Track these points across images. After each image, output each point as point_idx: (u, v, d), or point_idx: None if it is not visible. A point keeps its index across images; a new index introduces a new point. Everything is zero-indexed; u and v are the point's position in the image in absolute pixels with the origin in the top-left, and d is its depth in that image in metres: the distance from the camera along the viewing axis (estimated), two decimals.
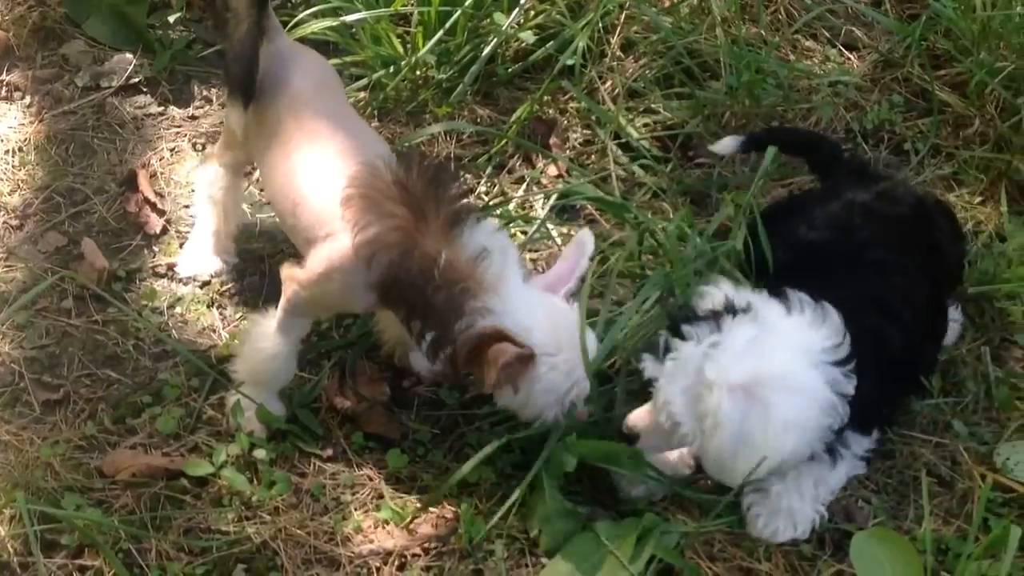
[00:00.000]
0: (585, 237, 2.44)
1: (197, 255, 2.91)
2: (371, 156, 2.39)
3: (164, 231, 3.03)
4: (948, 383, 2.72)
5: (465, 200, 2.36)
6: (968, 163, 3.20)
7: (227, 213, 2.87)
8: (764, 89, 3.26)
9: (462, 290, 2.26)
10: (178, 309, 2.85)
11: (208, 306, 2.86)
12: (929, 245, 2.62)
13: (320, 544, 2.40)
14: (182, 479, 2.49)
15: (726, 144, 2.97)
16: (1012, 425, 2.63)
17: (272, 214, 2.92)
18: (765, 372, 2.20)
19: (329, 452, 2.57)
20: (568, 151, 3.23)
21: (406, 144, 3.11)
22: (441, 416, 2.64)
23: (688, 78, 3.30)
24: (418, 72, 3.31)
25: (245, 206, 2.99)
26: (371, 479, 2.52)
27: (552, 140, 3.24)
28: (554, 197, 3.06)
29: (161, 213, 3.06)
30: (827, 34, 3.52)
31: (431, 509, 2.45)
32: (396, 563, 2.37)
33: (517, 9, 3.29)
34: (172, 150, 3.23)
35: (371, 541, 2.41)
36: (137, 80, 3.39)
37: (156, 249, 2.99)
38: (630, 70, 3.33)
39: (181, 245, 2.98)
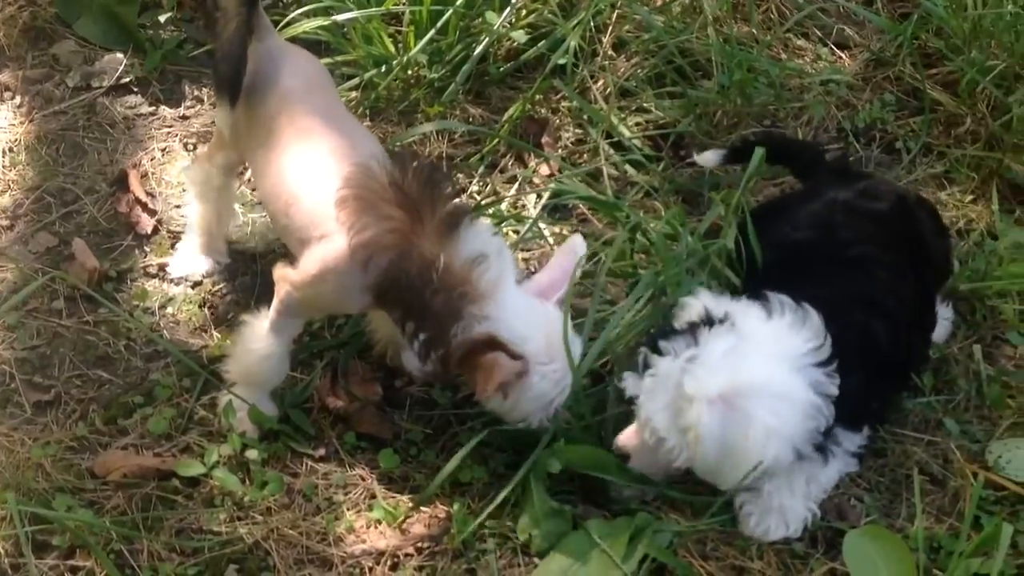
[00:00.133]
0: (577, 243, 2.44)
1: (189, 255, 2.91)
2: (364, 155, 2.38)
3: (155, 231, 3.02)
4: (940, 381, 2.72)
5: (459, 201, 2.36)
6: (960, 161, 3.21)
7: (219, 213, 2.86)
8: (756, 88, 3.26)
9: (460, 295, 2.26)
10: (169, 309, 2.85)
11: (200, 306, 2.85)
12: (912, 240, 2.63)
13: (312, 544, 2.39)
14: (174, 480, 2.49)
15: (708, 157, 3.04)
16: (1004, 423, 2.64)
17: (264, 214, 2.91)
18: (743, 381, 2.22)
19: (321, 452, 2.56)
20: (560, 150, 3.23)
21: (398, 143, 3.11)
22: (433, 416, 2.64)
23: (680, 77, 3.30)
24: (410, 71, 3.31)
25: (237, 206, 2.98)
26: (363, 479, 2.52)
27: (544, 139, 3.24)
28: (546, 196, 3.06)
29: (152, 213, 3.05)
30: (819, 33, 3.52)
31: (423, 509, 2.45)
32: (389, 563, 2.37)
33: (509, 8, 3.29)
34: (163, 150, 3.22)
35: (363, 541, 2.41)
36: (128, 80, 3.38)
37: (147, 249, 2.98)
38: (622, 69, 3.33)
39: (172, 245, 2.97)
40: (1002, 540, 2.19)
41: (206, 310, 2.85)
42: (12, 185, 3.12)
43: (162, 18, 3.50)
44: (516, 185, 3.14)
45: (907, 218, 2.66)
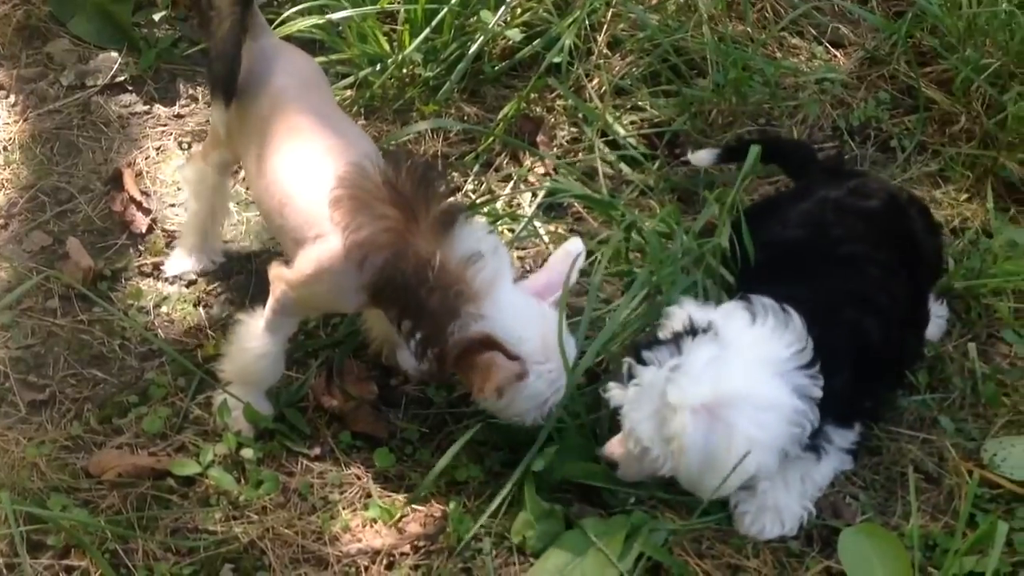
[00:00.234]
0: (575, 247, 2.44)
1: (183, 254, 2.90)
2: (358, 155, 2.38)
3: (150, 230, 3.02)
4: (935, 379, 2.73)
5: (454, 199, 2.36)
6: (954, 160, 3.21)
7: (214, 212, 2.86)
8: (751, 87, 3.26)
9: (456, 293, 2.26)
10: (164, 308, 2.85)
11: (194, 305, 2.85)
12: (904, 238, 2.63)
13: (308, 543, 2.39)
14: (169, 479, 2.48)
15: (702, 157, 3.05)
16: (999, 421, 2.64)
17: (259, 213, 2.91)
18: (725, 390, 2.23)
19: (317, 451, 2.56)
20: (555, 149, 3.23)
21: (393, 142, 3.11)
22: (429, 415, 2.64)
23: (675, 76, 3.30)
24: (405, 70, 3.30)
25: (232, 205, 2.98)
26: (359, 478, 2.52)
27: (539, 138, 3.24)
28: (541, 195, 3.06)
29: (147, 212, 3.05)
30: (813, 31, 3.53)
31: (419, 507, 2.45)
32: (384, 562, 2.37)
33: (503, 7, 3.28)
34: (158, 149, 3.22)
35: (359, 540, 2.41)
36: (122, 79, 3.38)
37: (142, 248, 2.98)
38: (617, 68, 3.33)
39: (167, 244, 2.97)
40: (997, 538, 2.19)
41: (201, 309, 2.84)
42: (6, 184, 3.11)
43: (156, 17, 3.50)
44: (511, 184, 3.14)
45: (898, 216, 2.67)
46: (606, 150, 3.18)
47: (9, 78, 3.36)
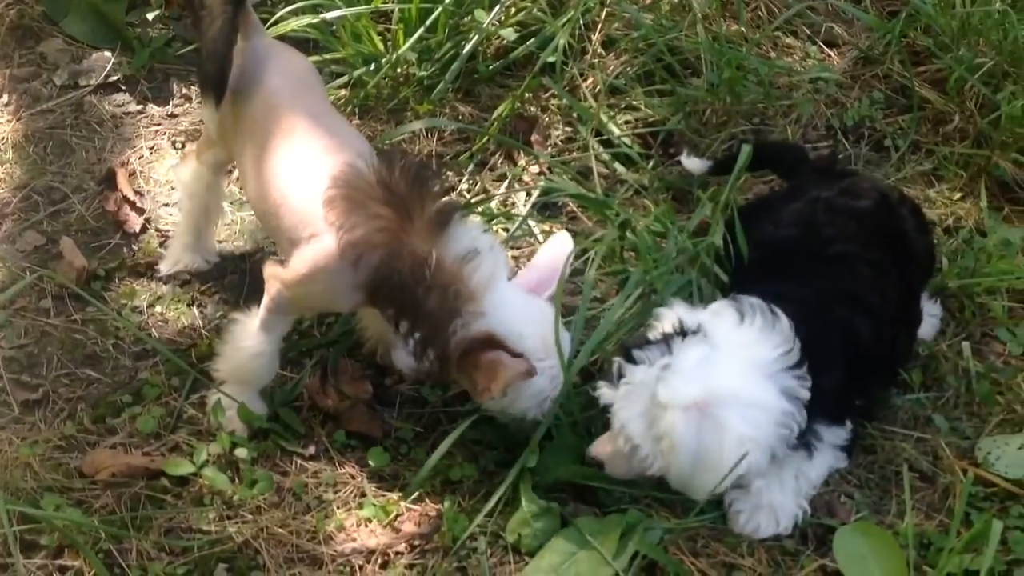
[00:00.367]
0: (564, 240, 2.44)
1: (177, 254, 2.90)
2: (352, 154, 2.38)
3: (143, 230, 3.01)
4: (929, 378, 2.73)
5: (448, 198, 2.35)
6: (948, 159, 3.22)
7: (208, 212, 2.85)
8: (745, 86, 3.27)
9: (454, 292, 2.25)
10: (158, 308, 2.84)
11: (188, 305, 2.84)
12: (895, 237, 2.64)
13: (302, 543, 2.39)
14: (163, 479, 2.48)
15: (694, 163, 3.07)
16: (993, 420, 2.64)
17: (252, 213, 2.90)
18: (717, 389, 2.23)
19: (311, 451, 2.56)
20: (550, 148, 3.23)
21: (387, 141, 3.10)
22: (424, 414, 2.64)
23: (669, 75, 3.31)
24: (399, 69, 3.30)
25: (225, 204, 2.97)
26: (353, 477, 2.51)
27: (534, 137, 3.24)
28: (536, 194, 3.06)
29: (140, 212, 3.04)
30: (807, 31, 3.53)
31: (414, 507, 2.44)
32: (379, 561, 2.37)
33: (498, 6, 3.28)
34: (151, 148, 3.21)
35: (354, 539, 2.40)
36: (116, 78, 3.37)
37: (135, 248, 2.97)
38: (611, 67, 3.33)
39: (161, 244, 2.96)
40: (992, 536, 2.19)
41: (195, 309, 2.84)
42: None
43: (150, 16, 3.49)
44: (506, 183, 3.14)
45: (890, 216, 2.67)
46: (600, 149, 3.18)
47: (2, 78, 3.36)
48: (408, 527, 2.42)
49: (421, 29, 3.24)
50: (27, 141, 3.20)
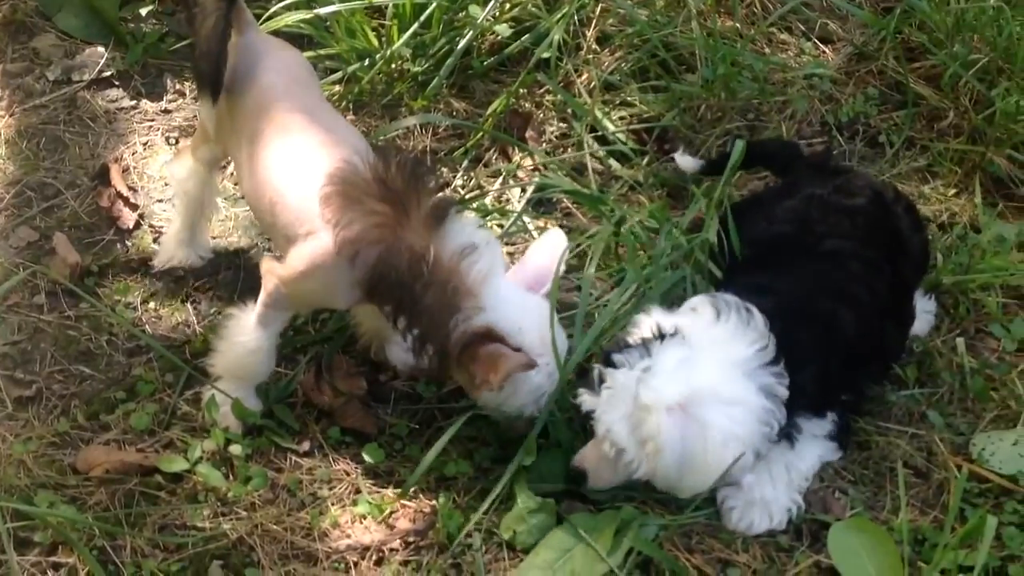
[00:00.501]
0: (556, 237, 2.44)
1: (171, 250, 2.89)
2: (348, 150, 2.37)
3: (137, 225, 3.00)
4: (923, 374, 2.73)
5: (444, 194, 2.35)
6: (942, 155, 3.22)
7: (202, 207, 2.85)
8: (739, 82, 3.27)
9: (453, 288, 2.25)
10: (152, 304, 2.83)
11: (182, 301, 2.84)
12: (889, 233, 2.64)
13: (297, 539, 2.38)
14: (157, 475, 2.47)
15: (688, 162, 3.07)
16: (987, 415, 2.65)
17: (247, 209, 2.90)
18: (698, 389, 2.24)
19: (305, 447, 2.55)
20: (544, 144, 3.22)
21: (381, 137, 3.10)
22: (418, 410, 2.64)
23: (664, 71, 3.30)
24: (393, 65, 3.30)
25: (219, 200, 2.97)
26: (348, 474, 2.51)
27: (528, 133, 3.24)
28: (530, 190, 3.06)
29: (134, 207, 3.03)
30: (802, 27, 3.53)
31: (408, 503, 2.44)
32: (374, 557, 2.36)
33: (492, 2, 3.28)
34: (145, 144, 3.20)
35: (348, 536, 2.40)
36: (109, 74, 3.36)
37: (129, 244, 2.97)
38: (606, 63, 3.33)
39: (154, 239, 2.96)
40: (986, 532, 2.20)
41: (188, 305, 2.83)
42: None
43: (143, 11, 3.49)
44: (500, 179, 3.13)
45: (884, 213, 2.67)
46: (595, 145, 3.18)
47: None
48: (403, 523, 2.42)
49: (415, 24, 3.24)
50: (20, 137, 3.20)
